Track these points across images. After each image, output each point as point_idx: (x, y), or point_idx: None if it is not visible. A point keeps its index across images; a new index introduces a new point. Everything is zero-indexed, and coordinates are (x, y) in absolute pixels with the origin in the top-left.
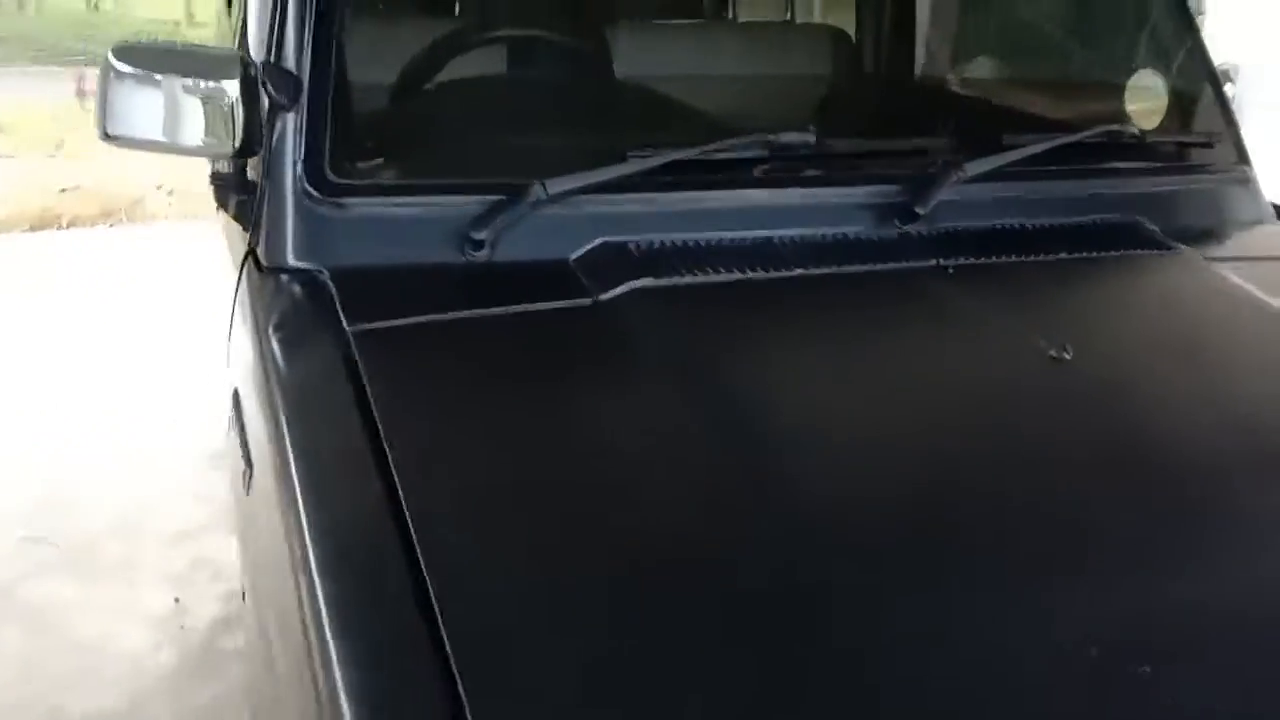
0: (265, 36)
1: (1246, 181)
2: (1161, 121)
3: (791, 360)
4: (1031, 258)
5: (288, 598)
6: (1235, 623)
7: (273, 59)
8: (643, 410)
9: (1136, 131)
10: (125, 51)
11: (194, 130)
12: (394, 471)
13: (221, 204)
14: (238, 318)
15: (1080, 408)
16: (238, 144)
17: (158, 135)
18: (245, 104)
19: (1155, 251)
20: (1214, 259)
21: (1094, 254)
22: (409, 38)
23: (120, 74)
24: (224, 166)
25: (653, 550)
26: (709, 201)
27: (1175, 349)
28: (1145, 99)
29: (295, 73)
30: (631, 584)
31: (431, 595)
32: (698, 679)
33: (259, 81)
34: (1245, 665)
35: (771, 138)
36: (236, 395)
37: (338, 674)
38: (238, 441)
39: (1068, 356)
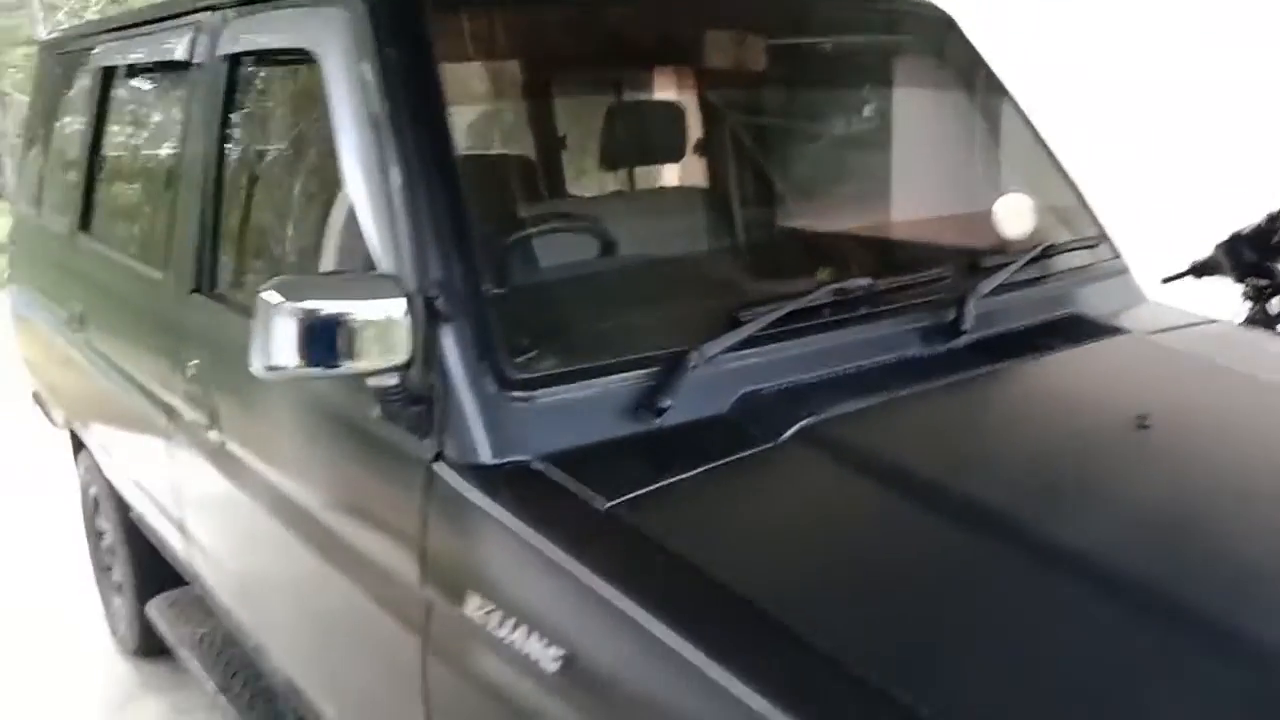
0: (410, 253)
1: (1126, 270)
2: (1048, 232)
3: (962, 452)
4: (1041, 354)
5: None
6: None
7: (429, 276)
8: (884, 512)
9: (1061, 243)
10: (283, 287)
11: (365, 351)
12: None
13: (389, 416)
14: (443, 517)
15: (1182, 459)
16: (408, 358)
17: (328, 361)
18: (413, 320)
19: (1118, 335)
20: (1152, 333)
21: (1079, 344)
22: (549, 239)
23: (280, 307)
24: (383, 380)
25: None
26: (809, 345)
27: (1209, 405)
28: (1026, 216)
29: (457, 286)
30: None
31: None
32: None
33: (423, 299)
34: None
35: (838, 285)
36: (492, 583)
37: None
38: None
39: (1149, 425)
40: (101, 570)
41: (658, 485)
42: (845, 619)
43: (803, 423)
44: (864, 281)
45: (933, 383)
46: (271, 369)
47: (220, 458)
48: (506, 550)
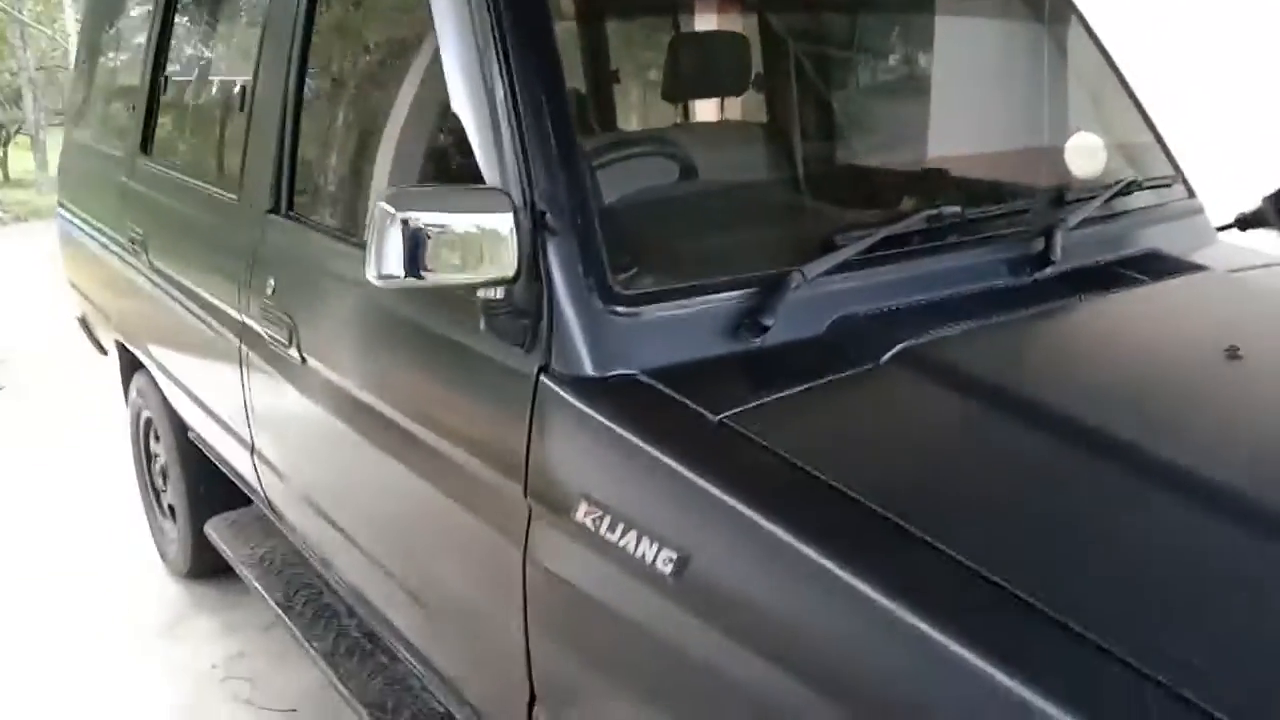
0: (517, 169)
1: (1201, 210)
2: (1126, 169)
3: (1061, 376)
4: (1127, 287)
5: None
6: None
7: (536, 191)
8: (988, 429)
9: (1140, 180)
10: (398, 198)
11: (473, 263)
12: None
13: (494, 329)
14: (551, 428)
15: (1274, 387)
16: (515, 271)
17: (438, 271)
18: (519, 235)
19: (1199, 272)
20: (1231, 271)
21: (1162, 279)
22: (648, 162)
23: (394, 218)
24: (493, 293)
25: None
26: (902, 272)
27: None
28: (1106, 153)
29: (564, 202)
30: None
31: None
32: None
33: (531, 214)
34: None
35: (933, 212)
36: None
37: None
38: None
39: (1241, 354)
40: (150, 495)
41: (767, 400)
42: (961, 523)
43: (901, 345)
44: (956, 209)
45: (1024, 311)
46: (384, 277)
47: (298, 374)
48: (619, 458)
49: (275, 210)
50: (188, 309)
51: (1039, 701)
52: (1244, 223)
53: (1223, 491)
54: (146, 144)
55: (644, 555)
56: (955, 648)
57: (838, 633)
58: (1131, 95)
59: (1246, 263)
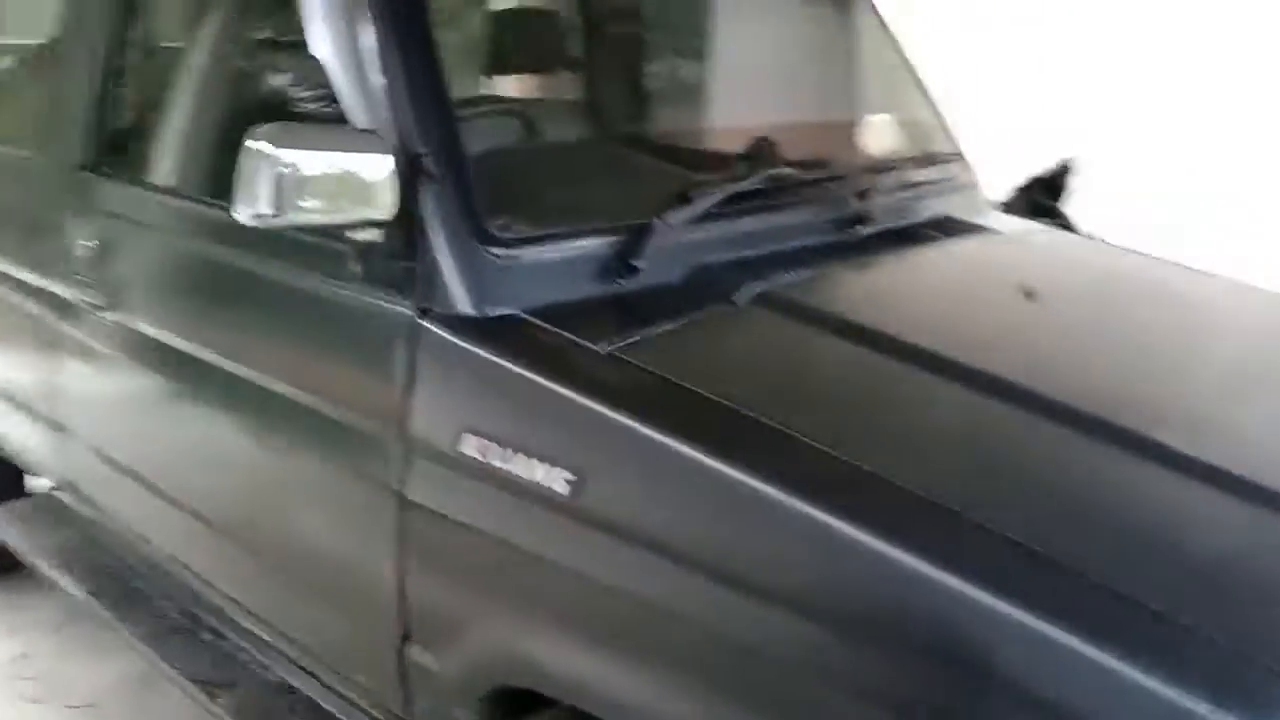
0: (392, 113)
1: (978, 185)
2: (920, 145)
3: (896, 312)
4: (933, 243)
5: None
6: None
7: (412, 136)
8: (842, 353)
9: (935, 154)
10: (274, 134)
11: (350, 203)
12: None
13: (369, 273)
14: (432, 367)
15: (1063, 319)
16: (393, 213)
17: (312, 211)
18: (399, 178)
19: (987, 233)
20: (1012, 233)
21: (959, 237)
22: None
23: (267, 156)
24: (366, 236)
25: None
26: (747, 226)
27: (1072, 283)
28: (897, 132)
29: (443, 147)
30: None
31: None
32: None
33: (409, 157)
34: None
35: (774, 172)
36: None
37: None
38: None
39: (1037, 296)
40: None
41: (648, 334)
42: (833, 426)
43: (758, 289)
44: (790, 171)
45: (854, 261)
46: (257, 216)
47: (122, 341)
48: (510, 391)
49: (89, 167)
50: None
51: (878, 543)
52: (1005, 208)
53: (1037, 392)
54: None
55: (538, 478)
56: (840, 526)
57: (737, 527)
58: (919, 83)
59: (1019, 228)
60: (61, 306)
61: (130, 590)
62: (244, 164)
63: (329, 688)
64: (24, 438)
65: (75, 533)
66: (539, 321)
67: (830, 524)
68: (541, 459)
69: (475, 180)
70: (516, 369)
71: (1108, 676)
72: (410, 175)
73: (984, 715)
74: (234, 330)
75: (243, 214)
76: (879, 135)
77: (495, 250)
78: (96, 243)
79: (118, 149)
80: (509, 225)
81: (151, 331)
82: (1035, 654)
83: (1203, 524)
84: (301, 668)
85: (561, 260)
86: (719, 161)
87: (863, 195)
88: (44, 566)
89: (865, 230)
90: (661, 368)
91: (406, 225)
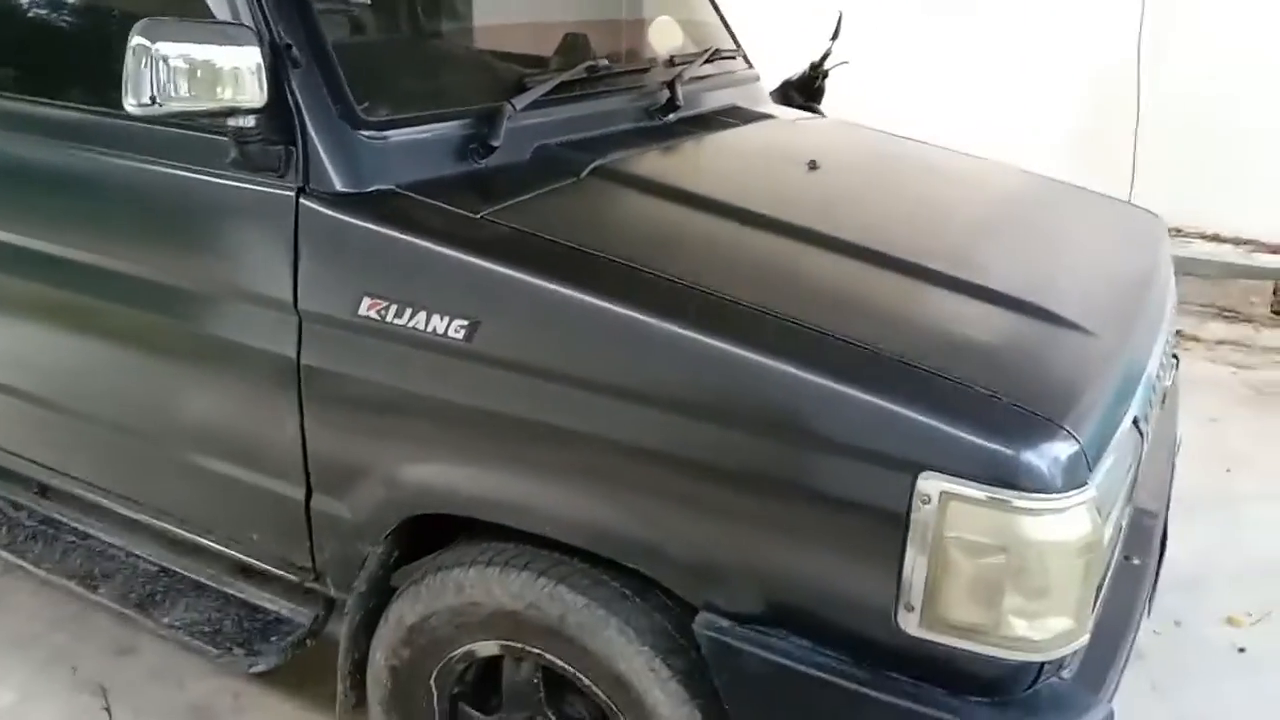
0: (256, 7)
1: (759, 79)
2: (708, 42)
3: (709, 179)
4: (728, 127)
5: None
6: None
7: (278, 28)
8: (672, 212)
9: (720, 50)
10: (151, 29)
11: (226, 92)
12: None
13: (245, 159)
14: (318, 241)
15: (842, 184)
16: (265, 101)
17: (192, 100)
18: (269, 67)
19: (771, 119)
20: (790, 120)
21: (749, 122)
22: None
23: (149, 49)
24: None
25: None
26: (575, 111)
27: (846, 157)
28: (686, 30)
29: (306, 37)
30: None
31: None
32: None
33: (276, 47)
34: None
35: (594, 63)
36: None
37: None
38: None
39: (819, 166)
40: None
41: (511, 202)
42: (671, 262)
43: (594, 164)
44: (606, 62)
45: (667, 141)
46: (143, 105)
47: None
48: (398, 255)
49: None
50: None
51: (720, 344)
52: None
53: (827, 234)
54: None
55: (434, 328)
56: (689, 334)
57: (607, 347)
58: None
59: (796, 115)
60: None
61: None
62: (128, 58)
63: (223, 555)
64: None
65: None
66: (414, 194)
67: (681, 333)
68: (437, 312)
69: (343, 67)
70: (407, 236)
71: (893, 418)
72: (278, 64)
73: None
74: (111, 229)
75: (130, 104)
76: (673, 33)
77: (366, 133)
78: None
79: None
80: (374, 110)
81: (12, 237)
82: (834, 409)
83: (961, 319)
84: (194, 545)
85: (426, 140)
86: (542, 55)
87: (669, 85)
88: None
89: (672, 117)
90: (530, 227)
91: (281, 112)
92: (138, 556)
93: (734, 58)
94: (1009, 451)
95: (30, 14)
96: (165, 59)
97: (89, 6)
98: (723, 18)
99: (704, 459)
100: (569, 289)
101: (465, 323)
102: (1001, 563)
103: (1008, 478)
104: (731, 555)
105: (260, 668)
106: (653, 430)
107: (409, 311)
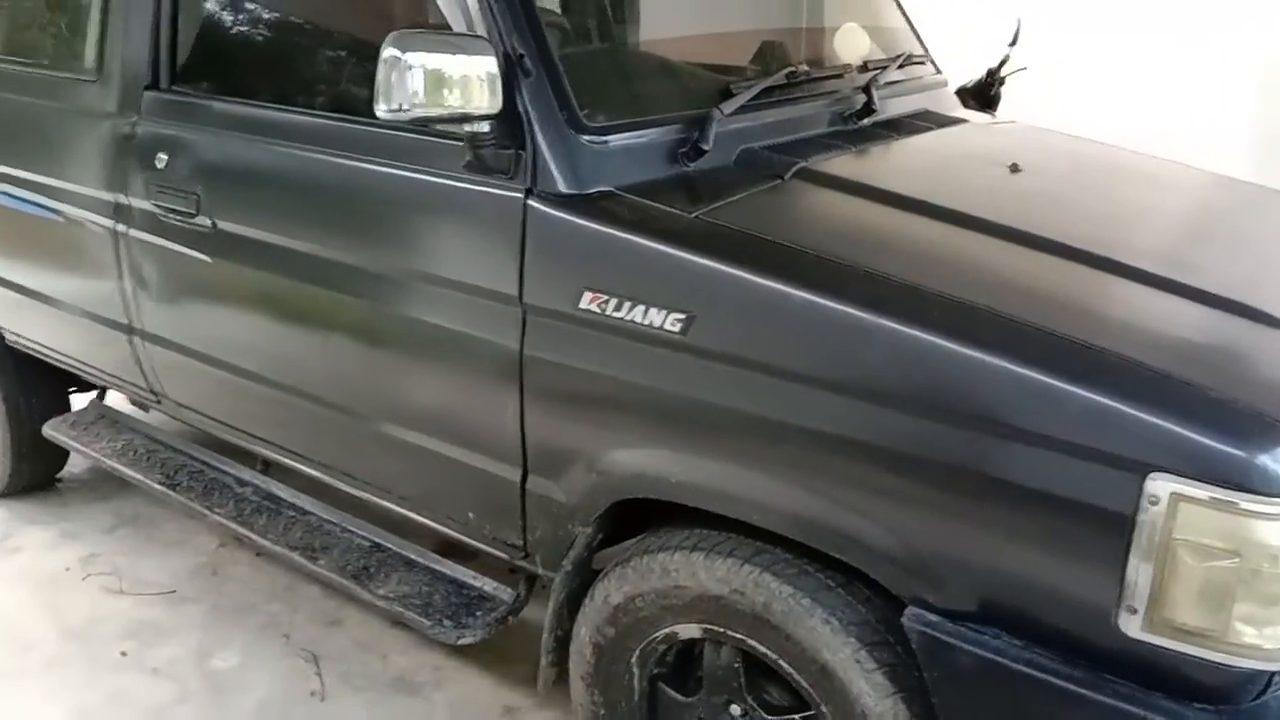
0: (491, 20)
1: (947, 83)
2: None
3: (917, 182)
4: (925, 131)
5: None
6: None
7: (511, 40)
8: (876, 212)
9: (911, 56)
10: (402, 40)
11: (466, 98)
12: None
13: (479, 161)
14: (544, 239)
15: (1045, 187)
16: (500, 107)
17: (434, 106)
18: (502, 76)
19: (965, 123)
20: (985, 124)
21: (944, 126)
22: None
23: (401, 59)
24: (478, 127)
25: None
26: (779, 115)
27: (1047, 162)
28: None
29: (535, 48)
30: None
31: None
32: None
33: (510, 58)
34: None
35: (798, 69)
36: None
37: None
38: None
39: (1021, 169)
40: None
41: (721, 203)
42: (886, 262)
43: (798, 166)
44: (806, 68)
45: (864, 145)
46: (392, 111)
47: (210, 243)
48: (619, 252)
49: (155, 86)
50: (24, 201)
51: (939, 340)
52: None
53: (1040, 235)
54: None
55: (651, 321)
56: (910, 331)
57: (824, 342)
58: None
59: (992, 119)
60: (134, 217)
61: (209, 481)
62: (380, 68)
63: (435, 532)
64: (91, 346)
65: (134, 437)
66: (632, 196)
67: (897, 329)
68: (655, 306)
69: (567, 75)
70: (627, 235)
71: (1121, 418)
72: (509, 74)
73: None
74: (346, 225)
75: (382, 111)
76: (864, 39)
77: (589, 137)
78: (171, 155)
79: (187, 67)
80: (594, 115)
81: (254, 233)
82: (1059, 408)
83: (1179, 320)
84: (406, 522)
85: (641, 144)
86: (738, 63)
87: (865, 90)
88: (114, 465)
89: (867, 121)
90: (741, 225)
91: (511, 118)
92: (351, 532)
93: (923, 63)
94: (1244, 454)
95: (287, 31)
96: (412, 68)
97: (338, 26)
98: (911, 24)
99: (918, 454)
100: (783, 284)
101: (682, 316)
102: (1233, 566)
103: (1242, 481)
104: (944, 551)
105: (467, 640)
106: (866, 424)
107: (628, 305)
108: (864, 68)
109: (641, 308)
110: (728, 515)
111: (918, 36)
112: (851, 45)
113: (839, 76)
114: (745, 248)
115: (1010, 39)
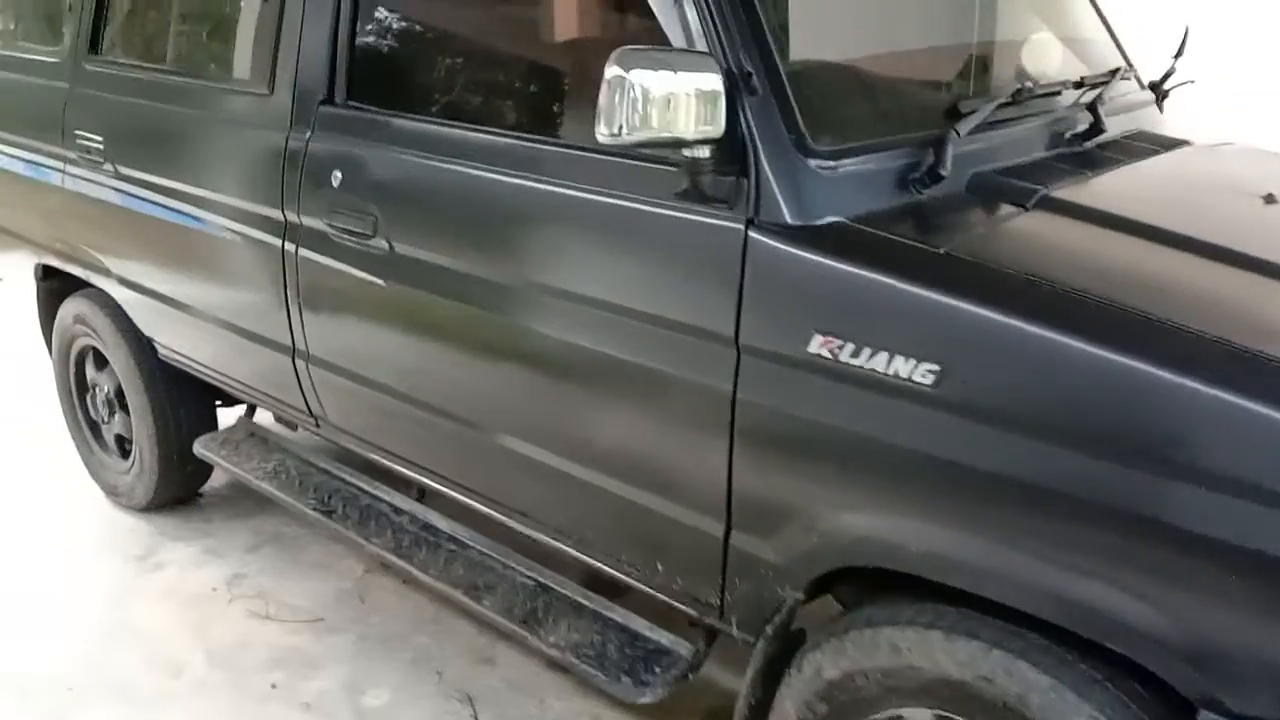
0: (716, 34)
1: (1153, 100)
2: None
3: (1166, 211)
4: (1155, 154)
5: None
6: None
7: (737, 55)
8: (1128, 243)
9: (1122, 71)
10: (626, 58)
11: (688, 121)
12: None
13: (696, 188)
14: (768, 274)
15: None
16: (724, 130)
17: (655, 130)
18: (727, 95)
19: (1188, 145)
20: (1205, 146)
21: (1171, 149)
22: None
23: (624, 80)
24: (698, 151)
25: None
26: (1007, 137)
27: None
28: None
29: (764, 64)
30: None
31: None
32: None
33: (737, 76)
34: None
35: (1025, 85)
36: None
37: None
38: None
39: (1276, 200)
40: (84, 429)
41: (969, 236)
42: (1174, 312)
43: (1040, 193)
44: (1030, 85)
45: (1100, 169)
46: (613, 135)
47: (386, 266)
48: (857, 291)
49: (330, 101)
50: (185, 216)
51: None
52: None
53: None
54: (96, 44)
55: (897, 371)
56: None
57: (1110, 403)
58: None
59: (1207, 140)
60: (305, 236)
61: (364, 507)
62: (604, 89)
63: (616, 581)
64: (249, 366)
65: (285, 457)
66: (866, 228)
67: (1212, 394)
68: (901, 354)
69: (802, 94)
70: (869, 273)
71: None
72: (736, 93)
73: None
74: (543, 252)
75: (602, 133)
76: (1070, 54)
77: (817, 162)
78: (345, 173)
79: (366, 82)
80: (822, 138)
81: (435, 258)
82: None
83: None
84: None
85: (872, 170)
86: (949, 79)
87: (1091, 109)
88: (264, 486)
89: (1096, 141)
90: (999, 264)
91: (733, 141)
92: (513, 569)
93: (1128, 79)
94: None
95: (477, 46)
96: (635, 88)
97: (535, 41)
98: (1114, 36)
99: (1224, 537)
100: (1065, 336)
101: (935, 367)
102: None
103: None
104: (1248, 645)
105: (648, 699)
106: (1162, 499)
107: (867, 352)
108: (1079, 84)
109: (884, 355)
110: (974, 593)
111: (1121, 50)
112: (1060, 59)
113: (1057, 94)
114: (1008, 290)
115: (1176, 50)
